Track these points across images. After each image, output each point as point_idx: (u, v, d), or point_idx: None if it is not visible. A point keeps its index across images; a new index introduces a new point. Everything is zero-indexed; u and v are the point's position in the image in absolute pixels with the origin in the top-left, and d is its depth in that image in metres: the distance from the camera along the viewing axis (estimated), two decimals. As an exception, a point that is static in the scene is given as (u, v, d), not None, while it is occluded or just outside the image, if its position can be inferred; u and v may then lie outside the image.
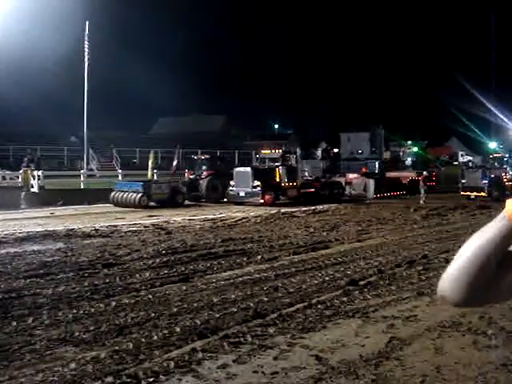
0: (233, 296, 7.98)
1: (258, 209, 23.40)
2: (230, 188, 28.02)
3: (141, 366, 5.23)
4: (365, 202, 28.62)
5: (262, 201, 26.56)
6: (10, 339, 6.12)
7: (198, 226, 16.98)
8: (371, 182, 31.93)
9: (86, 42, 36.26)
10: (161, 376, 5.01)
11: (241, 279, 9.15)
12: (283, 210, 21.84)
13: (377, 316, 6.96)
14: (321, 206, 24.39)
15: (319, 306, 7.38)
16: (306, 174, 30.63)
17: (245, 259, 11.04)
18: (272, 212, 21.27)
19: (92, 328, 6.49)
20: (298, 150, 29.47)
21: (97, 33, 37.61)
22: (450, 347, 5.79)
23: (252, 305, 7.46)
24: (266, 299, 7.80)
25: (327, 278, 9.16)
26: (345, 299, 7.77)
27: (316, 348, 5.75)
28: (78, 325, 6.65)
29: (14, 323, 6.70)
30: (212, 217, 19.87)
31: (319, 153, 33.51)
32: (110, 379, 4.92)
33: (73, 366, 5.27)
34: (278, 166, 28.12)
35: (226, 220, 18.80)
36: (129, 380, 4.91)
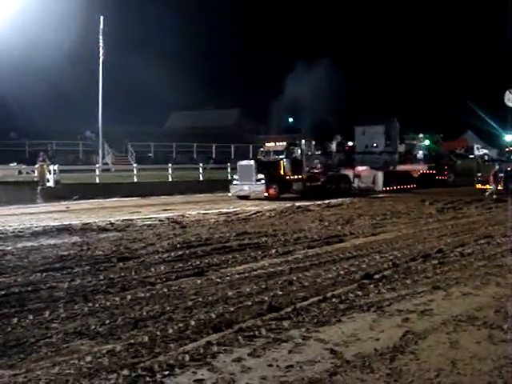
0: (247, 290, 8.00)
1: (271, 203, 23.36)
2: (234, 182, 27.80)
3: (156, 359, 5.26)
4: (377, 195, 28.19)
5: (266, 194, 26.23)
6: (27, 332, 6.18)
7: (213, 220, 17.01)
8: (380, 175, 31.75)
9: (101, 38, 36.38)
10: (176, 369, 5.04)
11: (255, 273, 9.17)
12: (298, 204, 21.81)
13: (391, 310, 6.95)
14: (335, 200, 24.33)
15: (334, 300, 7.38)
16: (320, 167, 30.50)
17: (259, 253, 11.05)
18: (286, 206, 21.26)
19: (108, 321, 6.53)
20: (302, 142, 28.89)
21: (110, 28, 37.69)
22: (465, 341, 5.76)
23: (267, 298, 7.47)
24: (280, 293, 7.80)
25: (342, 272, 9.14)
26: (359, 293, 7.76)
27: (331, 342, 5.75)
28: (93, 318, 6.70)
29: (31, 316, 6.77)
30: (226, 211, 19.90)
31: (334, 146, 33.34)
32: (125, 372, 4.96)
33: (89, 358, 5.31)
34: (282, 159, 27.63)
35: (241, 214, 18.82)
36: (144, 373, 4.95)
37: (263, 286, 8.21)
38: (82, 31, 35.81)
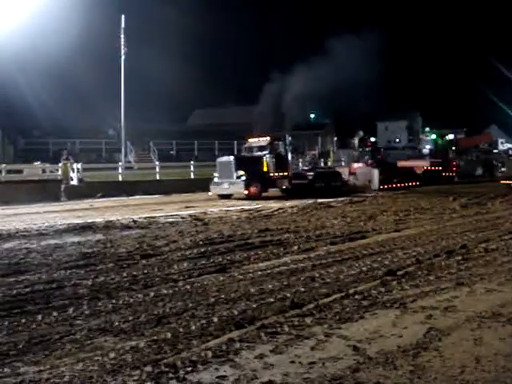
0: (270, 286, 7.99)
1: (286, 200, 23.29)
2: (214, 180, 26.23)
3: (179, 356, 5.28)
4: (370, 195, 25.87)
5: (245, 192, 24.69)
6: (51, 329, 6.24)
7: (235, 217, 17.04)
8: (376, 173, 29.65)
9: (122, 37, 36.59)
10: (199, 365, 5.05)
11: (278, 269, 9.16)
12: (319, 200, 21.77)
13: (415, 306, 6.89)
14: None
15: (356, 297, 7.34)
16: (343, 163, 30.30)
17: (281, 250, 11.04)
18: (308, 202, 21.22)
19: (131, 318, 6.57)
20: (287, 136, 27.10)
21: (132, 26, 37.88)
22: (489, 338, 5.70)
23: (289, 295, 7.46)
24: (302, 289, 7.79)
25: (364, 269, 9.10)
26: (382, 289, 7.71)
27: (353, 338, 5.72)
28: (117, 315, 6.75)
29: (55, 313, 6.83)
30: (248, 207, 19.92)
31: (356, 142, 33.20)
32: (148, 368, 4.99)
33: (112, 355, 5.35)
34: (265, 155, 25.99)
35: (263, 211, 18.83)
36: (167, 369, 4.97)
37: (285, 283, 8.20)
38: (104, 30, 36.05)
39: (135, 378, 4.81)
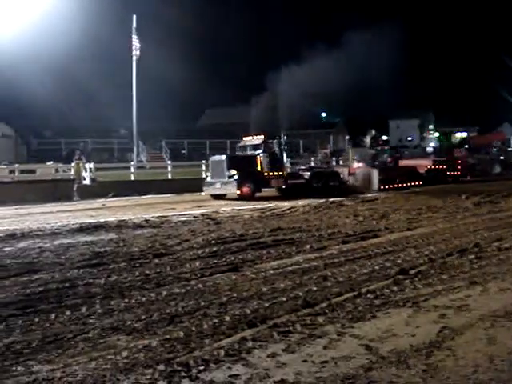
0: (282, 285, 7.99)
1: (298, 200, 23.27)
2: (207, 180, 25.74)
3: (191, 355, 5.29)
4: (369, 195, 24.95)
5: (238, 192, 24.00)
6: (64, 328, 6.27)
7: (247, 216, 17.05)
8: (375, 173, 28.61)
9: (134, 36, 36.68)
10: (211, 364, 5.06)
11: (290, 268, 9.15)
12: (331, 199, 21.73)
13: (428, 305, 6.86)
14: (370, 195, 24.10)
15: (369, 296, 7.32)
16: (355, 162, 30.09)
17: (294, 249, 11.03)
18: (320, 201, 21.19)
19: (143, 317, 6.59)
20: (282, 135, 26.43)
21: (143, 24, 37.97)
22: (502, 337, 5.66)
23: (301, 294, 7.46)
24: (315, 288, 7.78)
25: (377, 267, 9.07)
26: (395, 288, 7.68)
27: (366, 337, 5.71)
28: (129, 314, 6.77)
29: (68, 312, 6.87)
30: (260, 207, 19.92)
31: (368, 141, 33.03)
32: (161, 367, 5.00)
33: (125, 354, 5.37)
34: (258, 154, 25.32)
35: (275, 210, 18.82)
36: (180, 368, 4.98)
37: (298, 282, 8.19)
38: (115, 30, 36.17)
39: (148, 376, 4.83)
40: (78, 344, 5.72)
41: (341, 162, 33.05)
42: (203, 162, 33.87)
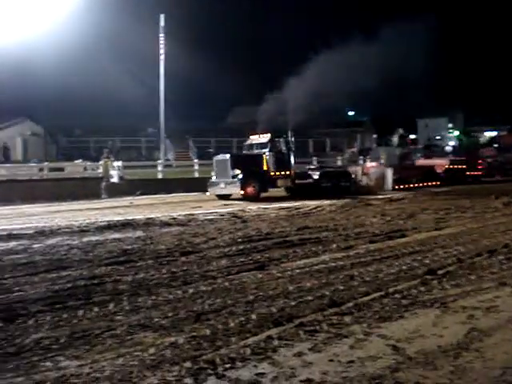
0: (308, 284, 7.97)
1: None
2: (212, 179, 25.00)
3: (218, 352, 5.31)
4: (382, 196, 24.09)
5: (242, 192, 23.18)
6: (92, 324, 6.34)
7: (273, 215, 17.05)
8: (389, 172, 28.02)
9: (162, 35, 36.85)
10: (237, 362, 5.07)
11: (316, 268, 9.12)
12: (359, 198, 21.62)
13: (456, 306, 6.79)
14: (397, 194, 23.89)
15: (396, 296, 7.27)
16: (383, 161, 29.69)
17: (320, 247, 11.00)
18: (346, 200, 21.10)
19: (170, 314, 6.63)
20: (289, 134, 25.39)
21: (170, 24, 38.13)
22: (533, 339, 5.58)
23: (327, 293, 7.43)
24: (341, 288, 7.75)
25: (404, 267, 9.00)
26: (422, 289, 7.62)
27: (393, 338, 5.67)
28: (156, 311, 6.81)
29: (96, 309, 6.94)
30: (287, 205, 19.90)
31: (395, 139, 32.70)
32: (188, 364, 5.02)
33: (152, 350, 5.41)
34: (264, 153, 24.51)
35: (301, 208, 18.79)
36: (206, 365, 4.99)
37: (324, 281, 8.16)
38: (144, 29, 36.40)
39: (174, 373, 4.85)
40: (106, 340, 5.77)
41: (368, 161, 32.33)
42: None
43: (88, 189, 25.87)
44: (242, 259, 9.94)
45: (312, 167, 27.32)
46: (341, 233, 12.89)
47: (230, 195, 23.98)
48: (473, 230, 13.20)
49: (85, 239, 12.54)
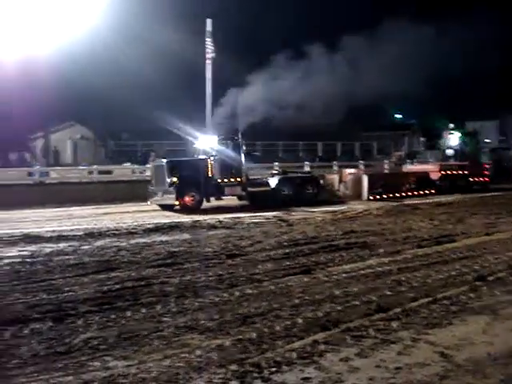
0: (355, 289, 7.91)
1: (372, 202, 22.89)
2: (149, 188, 21.94)
3: (263, 356, 5.31)
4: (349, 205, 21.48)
5: (176, 203, 20.25)
6: (140, 325, 6.42)
7: (319, 218, 16.97)
8: (365, 180, 24.51)
9: (208, 40, 37.09)
10: (283, 366, 5.06)
11: (363, 272, 9.05)
12: (406, 202, 21.36)
13: (507, 313, 6.65)
14: (445, 198, 23.45)
15: (445, 302, 7.16)
16: (430, 164, 28.85)
17: (367, 252, 10.91)
18: (393, 204, 20.86)
19: (217, 317, 6.67)
20: (239, 135, 22.28)
21: (217, 29, 38.36)
22: None
23: (374, 298, 7.37)
24: (388, 293, 7.67)
25: (453, 273, 8.85)
26: (472, 295, 7.48)
27: (441, 344, 5.58)
28: (203, 313, 6.86)
29: (144, 310, 7.03)
30: (333, 209, 19.77)
31: (444, 142, 31.69)
32: (233, 367, 5.04)
33: (198, 352, 5.44)
34: (208, 158, 21.40)
35: (347, 212, 18.64)
36: (252, 369, 5.00)
37: (371, 286, 8.09)
38: (191, 33, 36.69)
39: (220, 376, 4.88)
40: (153, 341, 5.84)
41: (415, 164, 31.02)
42: (275, 163, 33.87)
43: (136, 192, 26.15)
44: (287, 263, 9.93)
45: (274, 172, 24.16)
46: (388, 237, 12.75)
47: (173, 206, 20.74)
48: (524, 235, 12.88)
49: (133, 241, 12.71)
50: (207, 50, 36.93)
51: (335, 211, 18.99)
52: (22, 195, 23.16)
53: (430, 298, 7.31)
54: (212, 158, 21.33)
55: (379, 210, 19.15)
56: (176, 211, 20.04)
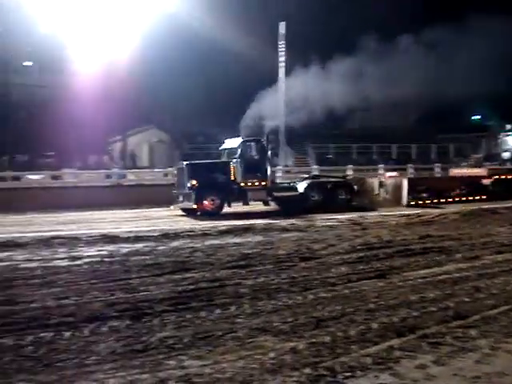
0: (431, 295, 7.74)
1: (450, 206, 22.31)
2: (173, 191, 21.29)
3: (337, 360, 5.27)
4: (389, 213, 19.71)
5: (194, 206, 19.57)
6: (214, 326, 6.50)
7: (394, 222, 16.72)
8: (404, 184, 22.99)
9: (281, 43, 37.19)
10: (357, 371, 5.01)
11: (439, 278, 8.85)
12: (485, 207, 20.73)
13: None
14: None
15: (526, 310, 6.91)
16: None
17: (443, 257, 10.67)
18: (471, 208, 20.29)
19: (290, 319, 6.67)
20: (266, 137, 21.63)
21: (291, 33, 38.41)
22: None
23: (452, 305, 7.19)
24: (466, 300, 7.47)
25: (536, 280, 8.54)
26: (556, 304, 7.19)
27: (523, 354, 5.39)
28: (276, 315, 6.87)
29: (218, 311, 7.11)
30: (408, 212, 19.43)
31: None
32: (307, 370, 5.02)
33: (272, 354, 5.45)
34: (232, 160, 20.71)
35: (423, 216, 18.29)
36: (325, 372, 4.98)
37: (448, 292, 7.90)
38: (262, 36, 36.84)
39: (294, 379, 4.87)
40: (227, 342, 5.89)
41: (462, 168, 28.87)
42: (349, 166, 33.57)
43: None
44: (361, 267, 9.83)
45: (305, 176, 23.72)
46: (465, 242, 12.42)
47: (196, 210, 20.05)
48: None
49: (207, 242, 12.89)
50: (280, 53, 37.08)
51: (410, 215, 18.63)
52: (100, 196, 23.90)
53: (511, 306, 7.08)
54: (234, 161, 20.65)
55: (456, 214, 18.68)
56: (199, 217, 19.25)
